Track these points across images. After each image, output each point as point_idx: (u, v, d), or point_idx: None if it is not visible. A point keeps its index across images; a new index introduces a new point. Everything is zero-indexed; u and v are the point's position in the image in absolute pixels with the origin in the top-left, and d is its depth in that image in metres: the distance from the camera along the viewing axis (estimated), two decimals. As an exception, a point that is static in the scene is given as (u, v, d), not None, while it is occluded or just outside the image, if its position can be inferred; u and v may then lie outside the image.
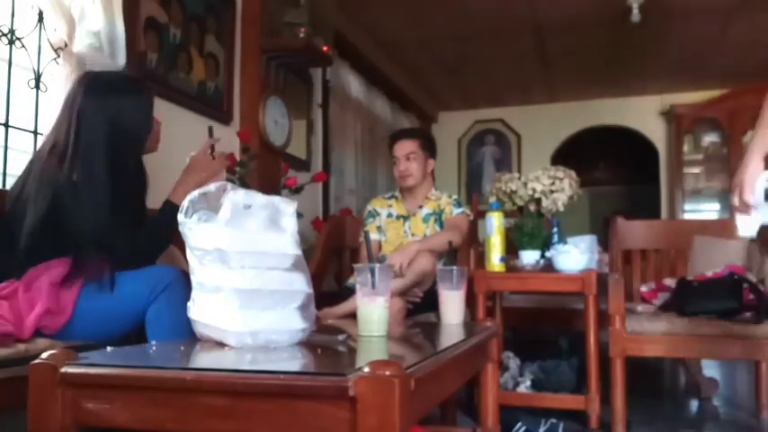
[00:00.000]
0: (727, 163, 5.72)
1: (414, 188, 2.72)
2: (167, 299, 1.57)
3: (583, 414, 2.42)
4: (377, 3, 4.27)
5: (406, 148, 2.70)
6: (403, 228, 2.71)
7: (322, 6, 3.90)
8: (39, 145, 1.97)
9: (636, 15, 4.09)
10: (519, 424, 2.25)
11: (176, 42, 2.75)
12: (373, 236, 2.66)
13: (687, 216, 5.96)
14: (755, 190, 1.62)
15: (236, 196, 1.34)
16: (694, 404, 2.99)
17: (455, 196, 2.79)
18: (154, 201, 2.20)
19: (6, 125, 2.12)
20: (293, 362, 1.26)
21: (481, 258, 2.74)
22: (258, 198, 1.37)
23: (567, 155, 6.51)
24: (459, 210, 2.71)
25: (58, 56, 2.17)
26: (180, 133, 2.80)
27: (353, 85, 4.92)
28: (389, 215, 2.74)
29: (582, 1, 4.18)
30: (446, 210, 2.71)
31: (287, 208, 1.41)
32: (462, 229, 2.63)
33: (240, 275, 1.31)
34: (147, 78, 2.56)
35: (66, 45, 2.12)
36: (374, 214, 2.77)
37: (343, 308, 2.28)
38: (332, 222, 3.10)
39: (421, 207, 2.72)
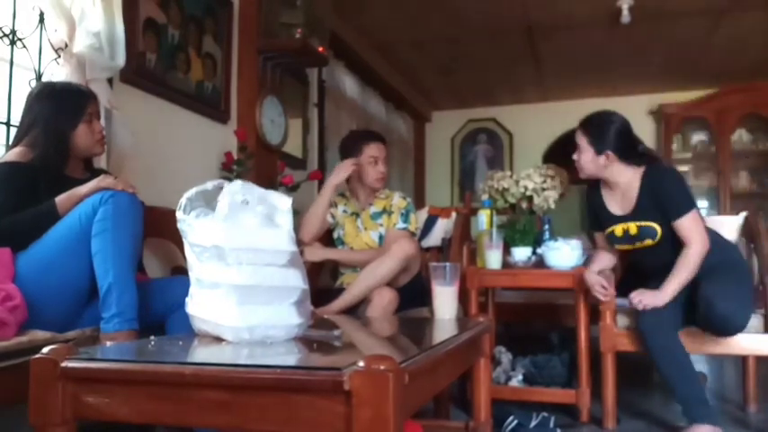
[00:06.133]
0: (715, 161, 5.75)
1: (375, 189, 2.78)
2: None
3: (573, 408, 2.45)
4: (372, 4, 4.28)
5: (383, 151, 2.75)
6: (356, 223, 2.77)
7: (318, 7, 3.92)
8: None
9: (626, 17, 4.13)
10: (511, 417, 2.28)
11: (175, 43, 2.77)
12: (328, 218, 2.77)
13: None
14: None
15: (234, 189, 1.37)
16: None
17: (408, 202, 2.75)
18: (154, 199, 2.24)
19: (8, 124, 2.14)
20: (290, 357, 1.28)
21: (474, 255, 2.78)
22: (255, 191, 1.39)
23: (558, 153, 6.54)
24: (404, 225, 2.68)
25: (59, 56, 2.18)
26: (178, 132, 2.83)
27: (348, 84, 4.94)
28: (344, 211, 2.80)
29: (573, 2, 4.20)
30: (393, 217, 2.71)
31: (283, 204, 1.43)
32: (406, 251, 2.39)
33: (237, 272, 1.32)
34: (146, 78, 2.59)
35: (66, 45, 2.13)
36: (333, 204, 2.81)
37: (336, 305, 2.32)
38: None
39: (371, 204, 2.78)
